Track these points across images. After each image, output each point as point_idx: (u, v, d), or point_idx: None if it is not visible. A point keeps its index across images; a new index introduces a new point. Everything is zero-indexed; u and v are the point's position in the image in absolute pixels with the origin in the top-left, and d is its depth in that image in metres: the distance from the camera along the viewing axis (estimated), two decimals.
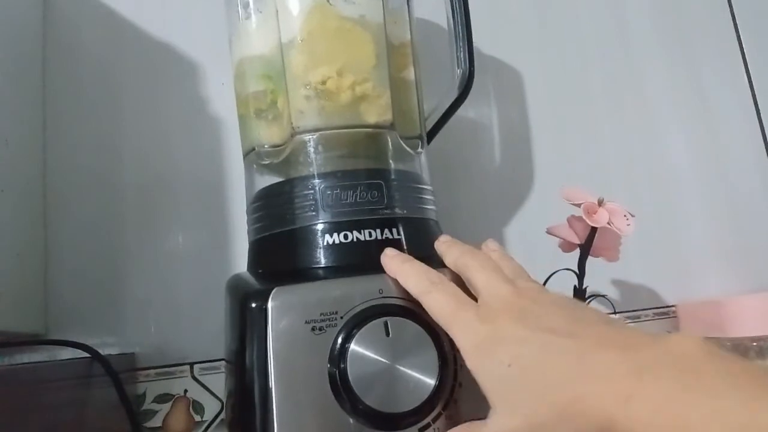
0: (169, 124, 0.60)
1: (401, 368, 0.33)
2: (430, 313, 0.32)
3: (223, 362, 0.46)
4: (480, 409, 0.29)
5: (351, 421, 0.33)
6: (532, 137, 0.67)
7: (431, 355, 0.33)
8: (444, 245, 0.38)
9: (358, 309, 0.35)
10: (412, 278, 0.34)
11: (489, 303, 0.31)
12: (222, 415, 0.54)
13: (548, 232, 0.52)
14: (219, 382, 0.54)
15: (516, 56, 0.68)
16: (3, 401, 0.36)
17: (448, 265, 0.36)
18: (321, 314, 0.34)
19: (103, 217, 0.56)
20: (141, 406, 0.53)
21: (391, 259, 0.36)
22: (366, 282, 0.36)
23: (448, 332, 0.31)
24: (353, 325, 0.34)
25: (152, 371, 0.54)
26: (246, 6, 0.46)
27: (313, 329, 0.34)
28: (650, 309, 0.64)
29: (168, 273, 0.56)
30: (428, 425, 0.34)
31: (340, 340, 0.34)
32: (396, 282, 0.35)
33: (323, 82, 0.42)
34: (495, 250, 0.37)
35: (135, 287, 0.55)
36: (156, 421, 0.53)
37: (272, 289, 0.35)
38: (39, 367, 0.47)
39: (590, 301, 0.51)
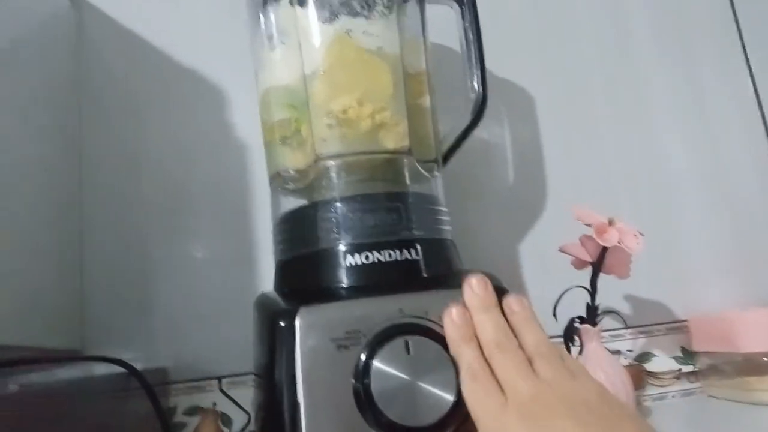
0: (197, 147, 0.63)
1: (421, 384, 0.35)
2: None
3: (250, 376, 0.48)
4: None
5: None
6: (544, 156, 0.68)
7: (450, 373, 0.35)
8: (474, 312, 0.35)
9: (379, 328, 0.37)
10: (466, 355, 0.34)
11: (508, 399, 0.31)
12: (249, 427, 0.56)
13: (561, 250, 0.54)
14: (246, 395, 0.56)
15: (526, 77, 0.70)
16: (43, 417, 0.38)
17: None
18: (345, 332, 0.36)
19: (135, 237, 0.59)
20: (171, 419, 0.55)
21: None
22: (386, 302, 0.38)
23: (471, 412, 0.32)
24: (376, 343, 0.36)
25: (182, 385, 0.56)
26: (270, 38, 0.49)
27: (338, 347, 0.36)
28: (663, 324, 0.64)
29: (197, 290, 0.59)
30: None
31: (363, 357, 0.36)
32: (417, 301, 0.37)
33: (344, 111, 0.44)
34: (516, 313, 0.35)
35: (166, 304, 0.58)
36: None
37: (299, 309, 0.37)
38: (76, 382, 0.49)
39: (602, 318, 0.53)
